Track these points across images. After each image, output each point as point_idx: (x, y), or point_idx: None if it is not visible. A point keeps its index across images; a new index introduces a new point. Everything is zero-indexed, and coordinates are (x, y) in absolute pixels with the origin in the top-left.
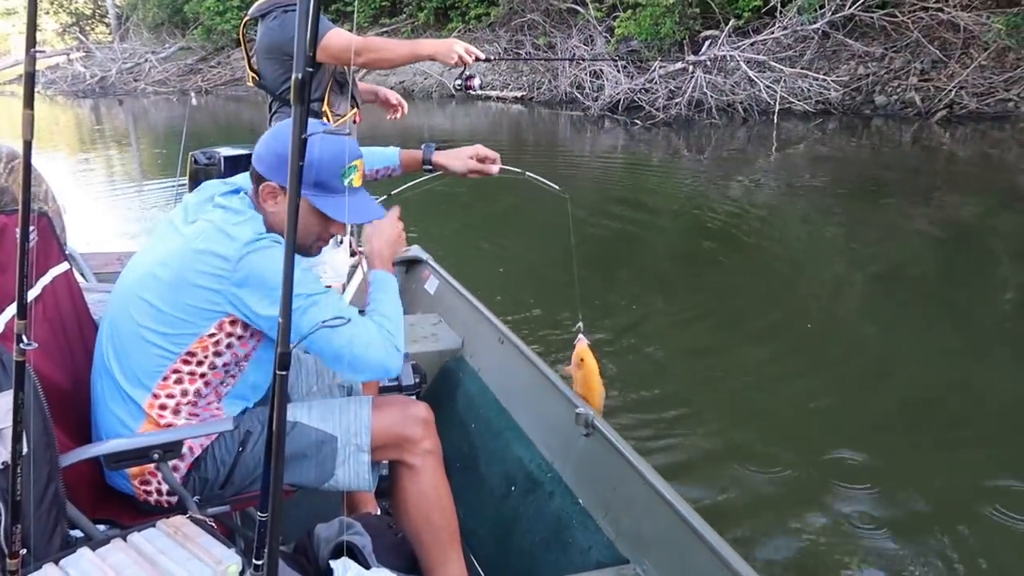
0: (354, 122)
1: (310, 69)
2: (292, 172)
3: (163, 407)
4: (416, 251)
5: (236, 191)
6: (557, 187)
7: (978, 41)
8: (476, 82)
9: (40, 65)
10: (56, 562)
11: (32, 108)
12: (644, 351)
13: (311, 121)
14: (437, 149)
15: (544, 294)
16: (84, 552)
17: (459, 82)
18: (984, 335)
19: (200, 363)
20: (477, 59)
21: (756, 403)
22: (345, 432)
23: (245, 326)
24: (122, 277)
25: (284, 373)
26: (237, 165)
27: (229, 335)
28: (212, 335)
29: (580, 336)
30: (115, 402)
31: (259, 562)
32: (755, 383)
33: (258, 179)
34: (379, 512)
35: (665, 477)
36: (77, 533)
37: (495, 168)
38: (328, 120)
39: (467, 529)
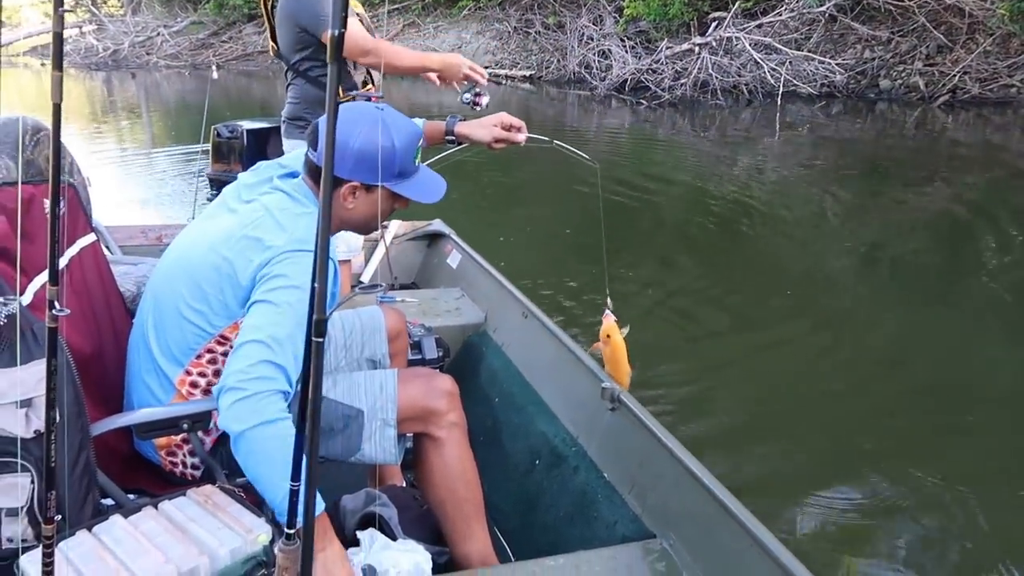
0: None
1: (344, 30)
2: (328, 135)
3: (194, 384)
4: (438, 225)
5: (293, 174)
6: (586, 156)
7: (983, 27)
8: (485, 100)
9: (50, 38)
10: (89, 529)
11: (61, 70)
12: (660, 325)
13: (368, 107)
14: (462, 120)
15: (566, 266)
16: (116, 519)
17: (468, 96)
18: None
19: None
20: (483, 77)
21: (771, 380)
22: (371, 406)
23: None
24: (169, 251)
25: (321, 340)
26: (259, 138)
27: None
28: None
29: (607, 312)
30: (149, 374)
31: (290, 531)
32: (768, 361)
33: (316, 172)
34: (404, 484)
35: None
36: (108, 502)
37: (521, 137)
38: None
39: (491, 503)
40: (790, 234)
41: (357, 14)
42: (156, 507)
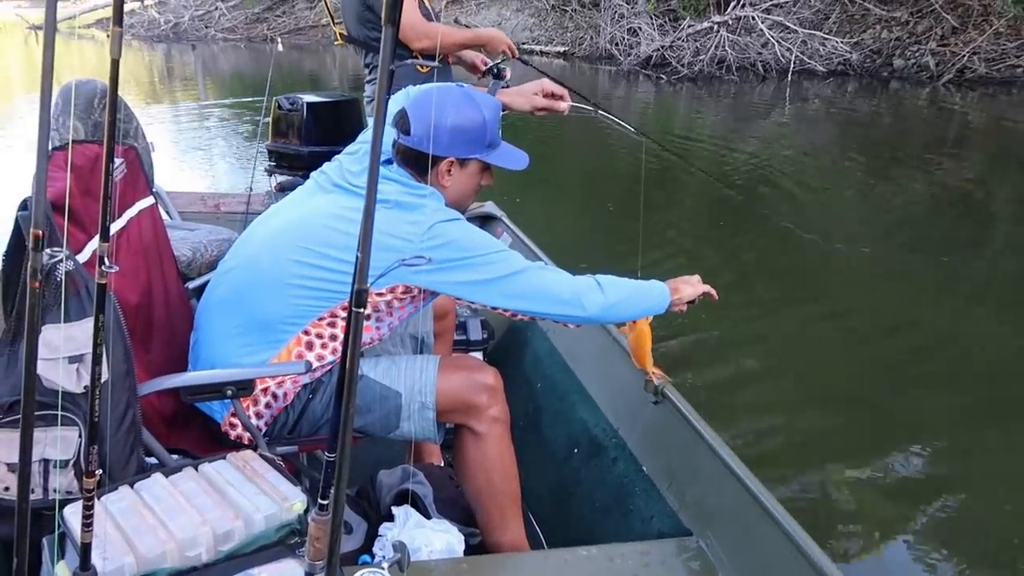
0: (447, 62)
1: None
2: (379, 101)
3: (309, 345)
4: (491, 207)
5: (388, 161)
6: (631, 127)
7: (994, 10)
8: (508, 73)
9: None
10: (131, 485)
11: (121, 25)
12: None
13: (450, 86)
14: (504, 88)
15: (604, 244)
16: (157, 477)
17: (495, 65)
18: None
19: None
20: (515, 55)
21: (794, 365)
22: (409, 390)
23: (412, 295)
24: (264, 223)
25: (360, 311)
26: (319, 112)
27: (396, 298)
28: (381, 294)
29: None
30: (243, 333)
31: (324, 502)
32: (792, 343)
33: (417, 157)
34: (443, 464)
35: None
36: (152, 460)
37: (563, 106)
38: (418, 67)
39: (527, 489)
40: (809, 208)
41: None
42: (196, 468)
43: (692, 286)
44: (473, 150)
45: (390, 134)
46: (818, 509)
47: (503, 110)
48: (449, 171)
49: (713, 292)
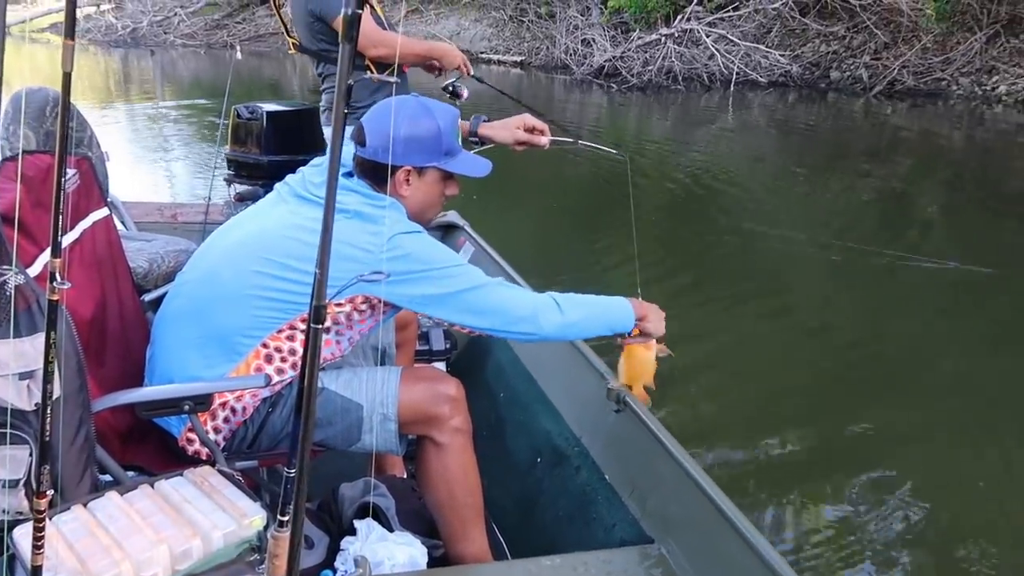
0: (402, 71)
1: (359, 11)
2: (336, 117)
3: (268, 358)
4: (453, 217)
5: (349, 173)
6: (614, 151)
7: (919, 26)
8: (465, 93)
9: (76, 14)
10: (84, 504)
11: (73, 39)
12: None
13: (405, 97)
14: (486, 121)
15: (575, 257)
16: (112, 495)
17: (455, 84)
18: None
19: None
20: (470, 73)
21: (749, 369)
22: (371, 402)
23: (371, 304)
24: (225, 234)
25: (319, 327)
26: (279, 122)
27: (355, 309)
28: (340, 305)
29: None
30: (201, 346)
31: (284, 518)
32: (750, 352)
33: (376, 169)
34: (405, 475)
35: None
36: (107, 477)
37: (544, 140)
38: (372, 72)
39: (490, 499)
40: (754, 215)
41: (369, 4)
42: (152, 486)
43: (657, 317)
44: (429, 158)
45: (350, 147)
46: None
47: (484, 143)
48: (407, 180)
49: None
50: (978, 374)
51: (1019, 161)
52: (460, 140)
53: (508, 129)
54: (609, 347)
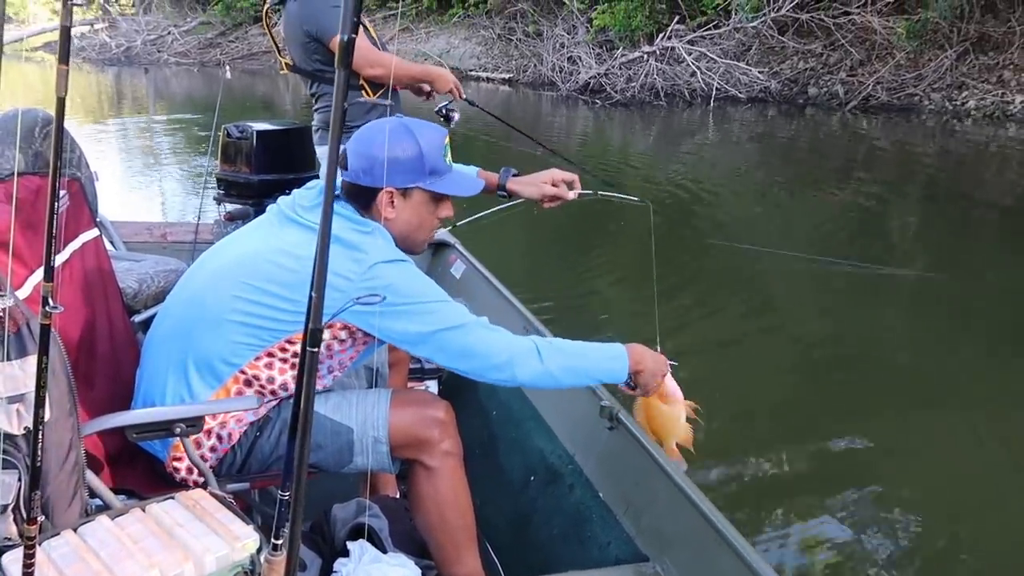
0: (395, 92)
1: (354, 35)
2: (333, 135)
3: (248, 383)
4: (443, 235)
5: (337, 197)
6: (636, 198)
7: (891, 44)
8: (456, 116)
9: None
10: (75, 529)
11: (67, 64)
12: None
13: (389, 119)
14: (515, 175)
15: (572, 287)
16: (102, 520)
17: (447, 106)
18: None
19: (296, 355)
20: (462, 96)
21: (736, 382)
22: (361, 425)
23: (351, 333)
24: (214, 256)
25: (315, 350)
26: (269, 141)
27: (335, 338)
28: None
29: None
30: (183, 370)
31: (278, 541)
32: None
33: (359, 192)
34: (399, 495)
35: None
36: (97, 502)
37: (572, 194)
38: (368, 95)
39: (483, 518)
40: (735, 221)
41: (363, 23)
42: (144, 509)
43: (654, 362)
44: (412, 179)
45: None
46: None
47: (513, 197)
48: (392, 203)
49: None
50: (968, 384)
51: (989, 172)
52: (449, 160)
53: (536, 184)
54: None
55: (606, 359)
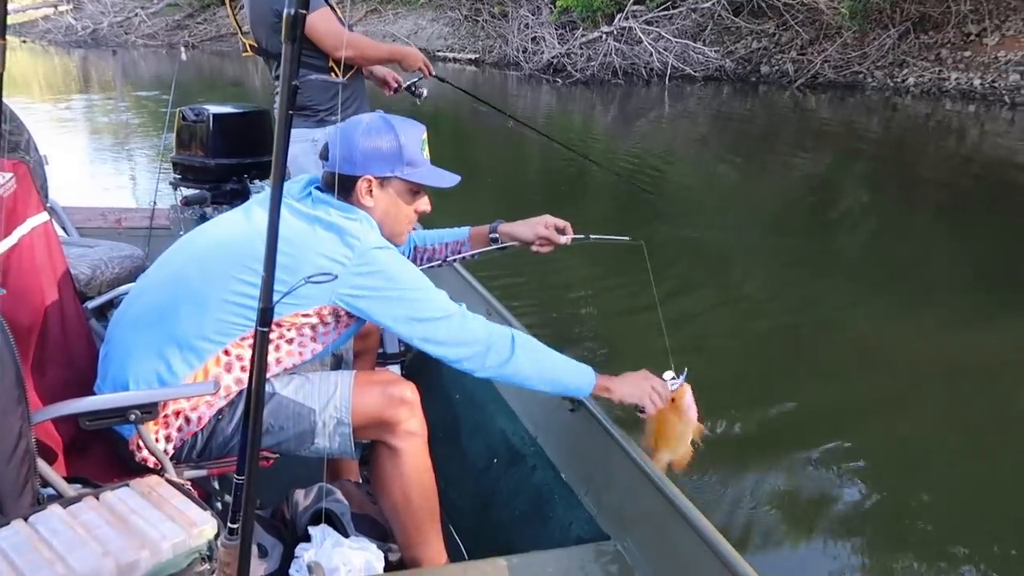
0: (360, 73)
1: (303, 11)
2: (281, 116)
3: (228, 366)
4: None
5: (319, 189)
6: (627, 238)
7: (841, 22)
8: (424, 92)
9: (34, 15)
10: (25, 519)
11: (4, 38)
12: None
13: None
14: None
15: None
16: (55, 509)
17: (412, 84)
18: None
19: (282, 336)
20: (431, 73)
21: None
22: (323, 406)
23: (337, 316)
24: (196, 238)
25: (266, 330)
26: (225, 125)
27: (321, 320)
28: (307, 315)
29: (679, 379)
30: (160, 350)
31: (234, 526)
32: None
33: (340, 181)
34: (360, 480)
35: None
36: (49, 491)
37: (564, 239)
38: (337, 75)
39: (447, 501)
40: (694, 196)
41: (330, 4)
42: (97, 497)
43: (634, 386)
44: (390, 168)
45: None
46: (730, 508)
47: (505, 243)
48: (369, 191)
49: (656, 404)
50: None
51: (930, 146)
52: (427, 155)
53: (529, 225)
54: (570, 345)
55: (572, 376)
